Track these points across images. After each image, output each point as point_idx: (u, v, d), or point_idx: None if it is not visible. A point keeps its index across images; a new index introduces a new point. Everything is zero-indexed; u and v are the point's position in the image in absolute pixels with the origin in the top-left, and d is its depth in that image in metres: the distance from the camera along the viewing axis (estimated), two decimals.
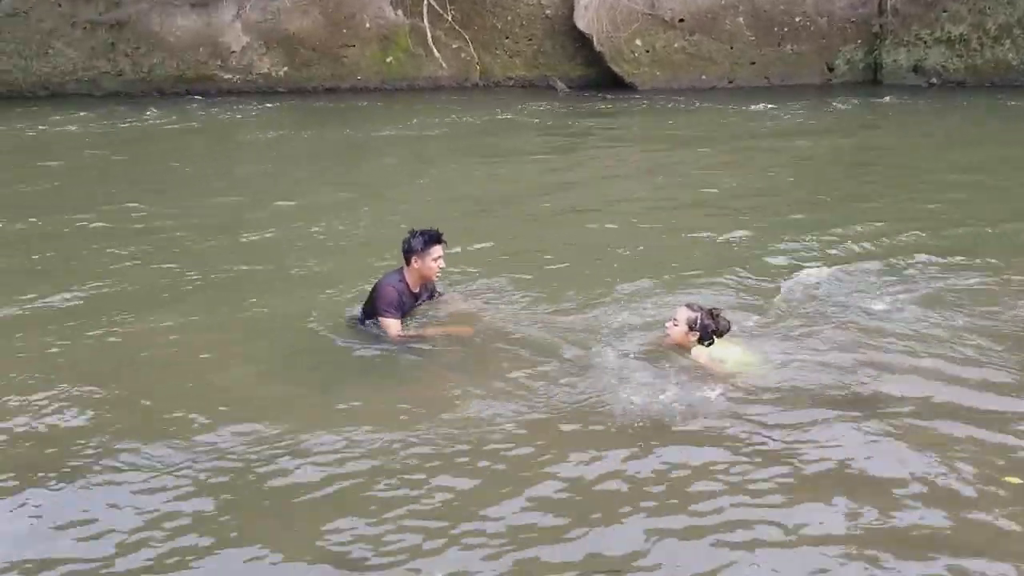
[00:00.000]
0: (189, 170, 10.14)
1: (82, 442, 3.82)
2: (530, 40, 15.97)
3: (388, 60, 15.75)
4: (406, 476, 3.50)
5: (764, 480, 3.42)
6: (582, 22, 15.45)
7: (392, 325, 4.84)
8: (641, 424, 3.91)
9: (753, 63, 15.53)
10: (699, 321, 4.54)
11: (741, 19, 15.36)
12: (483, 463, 3.61)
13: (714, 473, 3.48)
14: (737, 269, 5.91)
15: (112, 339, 4.96)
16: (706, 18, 15.40)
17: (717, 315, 4.58)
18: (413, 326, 5.02)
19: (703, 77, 15.48)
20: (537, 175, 9.75)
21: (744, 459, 3.59)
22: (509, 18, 15.85)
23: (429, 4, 14.84)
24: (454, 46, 15.76)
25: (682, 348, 4.57)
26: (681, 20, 15.42)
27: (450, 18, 15.43)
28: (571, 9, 15.52)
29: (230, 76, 15.37)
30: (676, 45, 15.52)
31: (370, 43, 15.62)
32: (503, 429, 3.87)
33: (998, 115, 12.68)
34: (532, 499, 3.33)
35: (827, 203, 8.06)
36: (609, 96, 15.02)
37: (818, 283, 5.59)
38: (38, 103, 14.51)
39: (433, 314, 5.21)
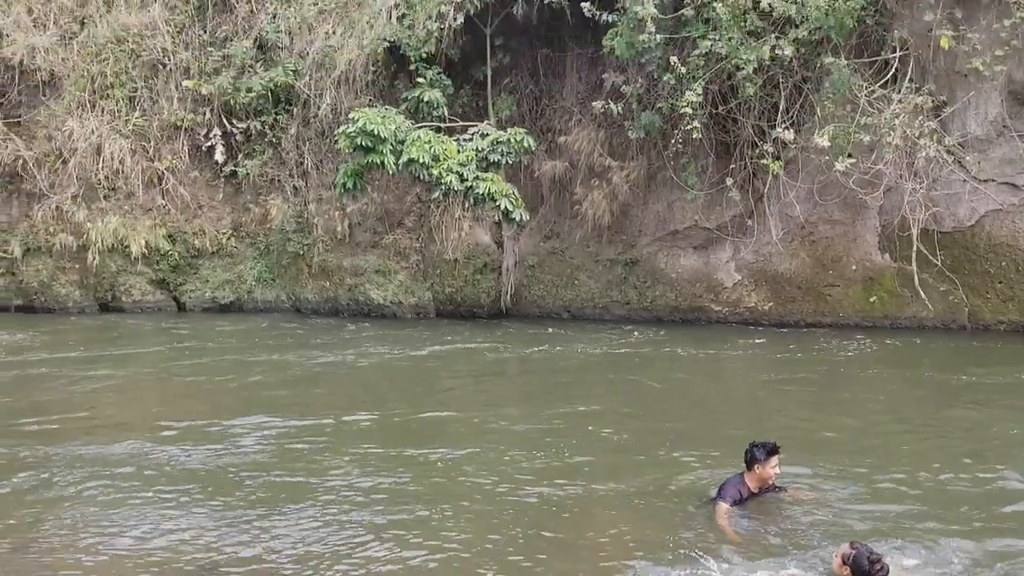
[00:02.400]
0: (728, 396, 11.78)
1: None
2: None
3: (871, 299, 16.40)
4: None
5: None
6: None
7: (720, 508, 6.43)
8: None
9: None
10: (853, 558, 5.16)
11: None
12: None
13: None
14: None
15: None
16: None
17: (875, 560, 5.12)
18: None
19: None
20: None
21: None
22: (1003, 264, 15.69)
23: (918, 249, 15.37)
24: (941, 288, 15.93)
25: None
26: None
27: (939, 262, 15.74)
28: None
29: (719, 308, 17.24)
30: None
31: (855, 283, 16.48)
32: None
33: None
34: None
35: None
36: None
37: None
38: (562, 324, 17.72)
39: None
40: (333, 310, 19.90)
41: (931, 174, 14.73)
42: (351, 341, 16.39)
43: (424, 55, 17.74)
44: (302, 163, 20.01)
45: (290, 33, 20.07)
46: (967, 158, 14.94)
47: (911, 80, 14.41)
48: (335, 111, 19.06)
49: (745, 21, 14.25)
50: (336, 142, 17.26)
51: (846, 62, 14.24)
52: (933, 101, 14.43)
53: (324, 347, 15.73)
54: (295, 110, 19.96)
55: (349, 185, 16.96)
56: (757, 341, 15.40)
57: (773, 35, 14.25)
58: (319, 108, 19.32)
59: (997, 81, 14.35)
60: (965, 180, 14.98)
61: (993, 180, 15.09)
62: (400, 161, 16.16)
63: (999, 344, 14.70)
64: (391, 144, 16.18)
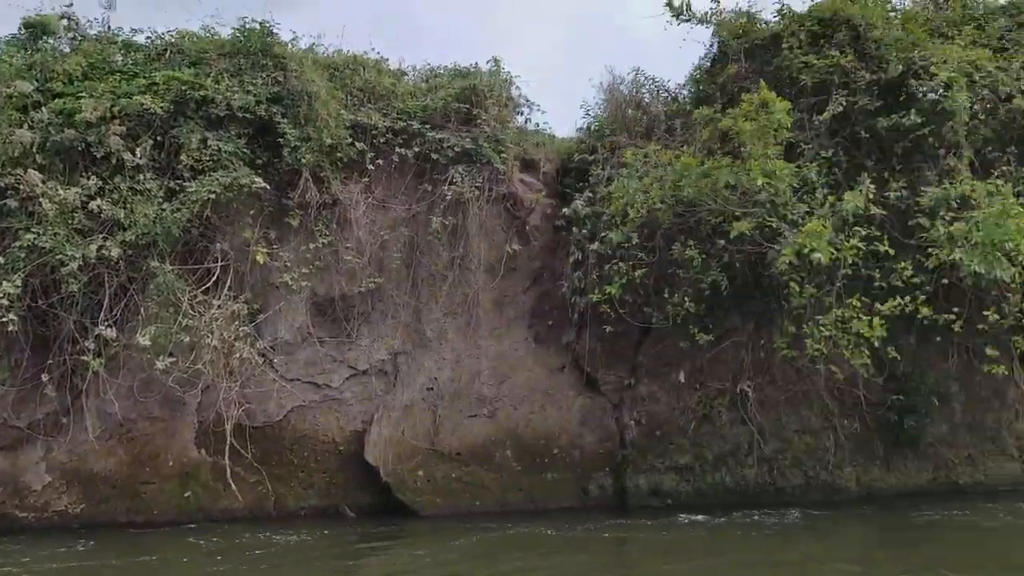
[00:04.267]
0: None
1: None
2: (324, 472, 17.67)
3: (186, 494, 16.72)
4: None
5: None
6: (371, 456, 17.50)
7: None
8: None
9: (520, 489, 18.00)
10: None
11: (509, 452, 18.08)
12: None
13: None
14: None
15: None
16: (479, 451, 17.98)
17: None
18: None
19: (478, 503, 17.66)
20: None
21: None
22: (305, 454, 17.62)
23: (231, 444, 16.35)
24: (252, 480, 17.09)
25: None
26: (458, 453, 17.88)
27: (250, 455, 16.93)
28: (362, 445, 17.62)
29: (25, 514, 15.66)
30: (454, 475, 17.80)
31: (171, 479, 16.65)
32: None
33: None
34: None
35: None
36: (392, 521, 16.70)
37: None
38: None
39: None
40: None
41: (245, 373, 16.06)
42: None
43: None
44: None
45: None
46: (277, 360, 16.77)
47: (231, 288, 15.81)
48: None
49: (73, 219, 14.11)
50: None
51: (172, 267, 15.01)
52: (249, 308, 16.01)
53: None
54: None
55: None
56: (80, 549, 14.36)
57: (101, 236, 14.36)
58: None
59: (304, 294, 16.70)
60: (275, 379, 16.71)
61: (299, 379, 17.19)
62: None
63: (298, 524, 16.21)
64: None
